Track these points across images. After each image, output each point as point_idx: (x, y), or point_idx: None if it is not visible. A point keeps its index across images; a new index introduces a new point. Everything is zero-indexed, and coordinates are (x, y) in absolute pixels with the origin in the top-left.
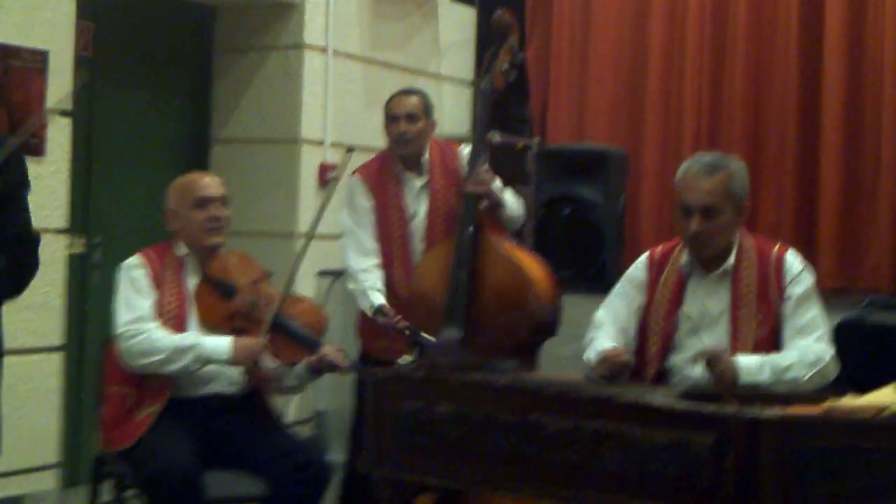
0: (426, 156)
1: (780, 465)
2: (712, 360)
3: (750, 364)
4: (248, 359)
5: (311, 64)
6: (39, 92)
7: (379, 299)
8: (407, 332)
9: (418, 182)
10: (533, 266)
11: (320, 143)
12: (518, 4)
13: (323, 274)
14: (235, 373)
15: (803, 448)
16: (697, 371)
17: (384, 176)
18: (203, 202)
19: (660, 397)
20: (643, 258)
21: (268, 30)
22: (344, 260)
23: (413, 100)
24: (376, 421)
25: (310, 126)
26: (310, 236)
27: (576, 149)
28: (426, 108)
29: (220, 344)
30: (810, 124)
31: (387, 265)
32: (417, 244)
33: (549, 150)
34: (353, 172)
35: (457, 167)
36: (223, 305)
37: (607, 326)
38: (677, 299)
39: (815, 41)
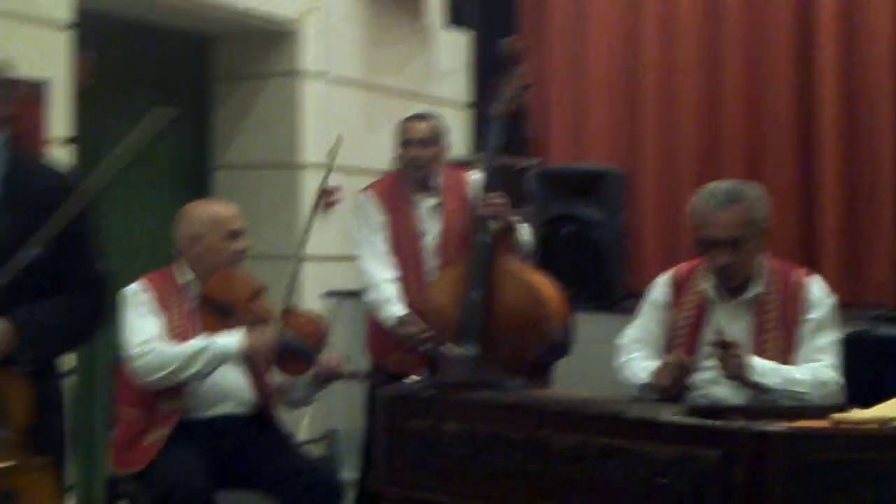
0: (439, 178)
1: (787, 479)
2: (725, 344)
3: (762, 365)
4: (261, 346)
5: (309, 89)
6: (40, 122)
7: (402, 310)
8: (430, 343)
9: (430, 202)
10: (546, 286)
11: (320, 166)
12: (513, 27)
13: (329, 295)
14: (245, 392)
15: (810, 461)
16: (717, 390)
17: (396, 194)
18: (235, 234)
19: (667, 413)
20: (666, 278)
21: (265, 57)
22: (361, 271)
23: (426, 125)
24: (386, 440)
25: (309, 150)
26: (300, 255)
27: (575, 168)
28: (439, 133)
29: (232, 338)
30: (809, 139)
31: (401, 282)
32: (429, 261)
33: (548, 170)
34: (365, 189)
35: (466, 192)
36: (223, 325)
37: (641, 346)
38: (698, 322)
39: (810, 57)
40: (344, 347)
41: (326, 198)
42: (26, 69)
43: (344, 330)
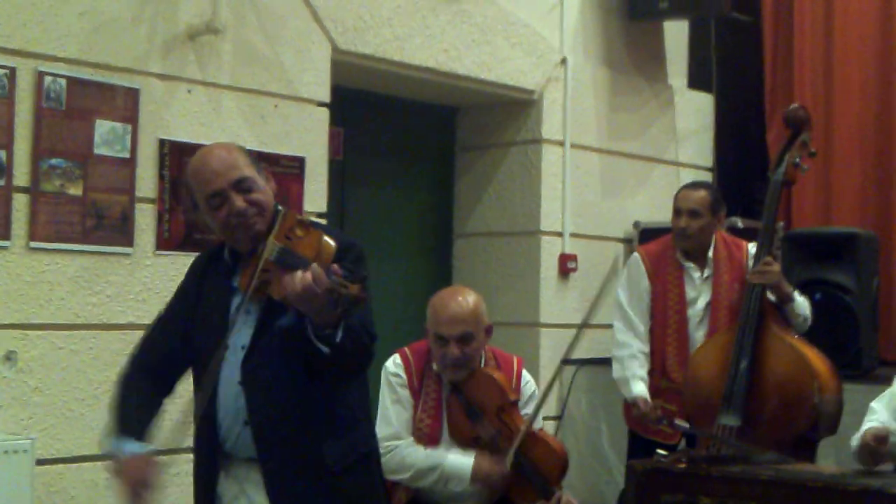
0: (711, 250)
1: None
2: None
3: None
4: (487, 482)
5: (549, 157)
6: (298, 196)
7: (638, 389)
8: (664, 421)
9: (700, 273)
10: (816, 359)
11: (559, 234)
12: (757, 87)
13: (566, 363)
14: (480, 499)
15: None
16: None
17: (664, 260)
18: (441, 340)
19: None
20: None
21: (507, 127)
22: (613, 337)
23: (699, 195)
24: None
25: (549, 218)
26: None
27: (824, 232)
28: (712, 205)
29: (463, 465)
30: None
31: (660, 347)
32: (693, 331)
33: (796, 233)
34: (637, 249)
35: (743, 263)
36: (468, 426)
37: (881, 413)
38: None
39: None
40: (582, 416)
41: (564, 265)
42: (288, 146)
43: (581, 398)
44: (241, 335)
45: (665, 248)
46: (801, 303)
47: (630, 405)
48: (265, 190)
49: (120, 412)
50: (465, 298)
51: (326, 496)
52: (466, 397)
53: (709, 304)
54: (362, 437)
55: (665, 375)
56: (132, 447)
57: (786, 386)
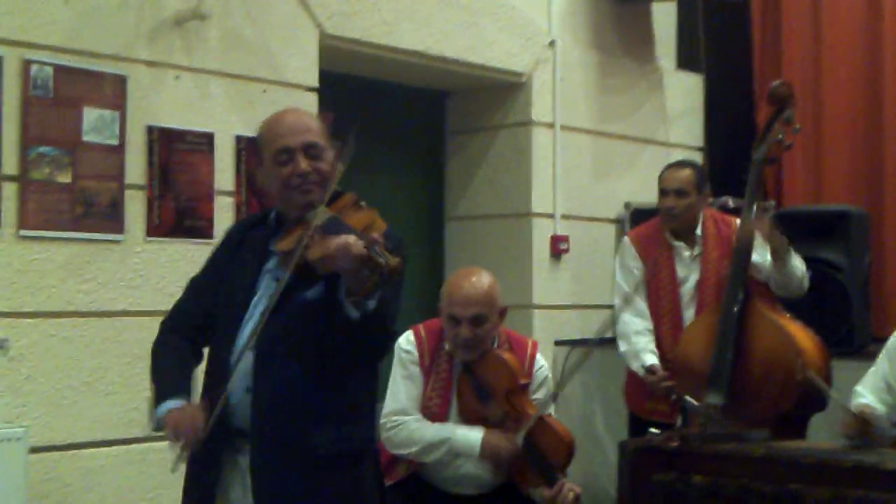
0: (699, 228)
1: None
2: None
3: None
4: (496, 457)
5: (540, 140)
6: None
7: (650, 359)
8: (672, 395)
9: (689, 252)
10: (802, 335)
11: (551, 215)
12: (746, 67)
13: (559, 343)
14: (486, 479)
15: None
16: None
17: (654, 241)
18: (454, 320)
19: None
20: None
21: (497, 109)
22: (616, 319)
23: (684, 174)
24: (630, 493)
25: (540, 200)
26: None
27: (816, 210)
28: (698, 183)
29: (471, 439)
30: None
31: (656, 328)
32: (685, 310)
33: (787, 211)
34: (627, 233)
35: (732, 239)
36: (477, 406)
37: (866, 394)
38: None
39: None
40: (573, 397)
41: (555, 246)
42: None
43: (574, 379)
44: (263, 301)
45: (654, 229)
46: (797, 264)
47: (631, 385)
48: (331, 164)
49: (157, 380)
50: (479, 280)
51: (307, 486)
52: (477, 378)
53: (696, 283)
54: (360, 433)
55: (661, 355)
56: (168, 404)
57: (770, 363)
